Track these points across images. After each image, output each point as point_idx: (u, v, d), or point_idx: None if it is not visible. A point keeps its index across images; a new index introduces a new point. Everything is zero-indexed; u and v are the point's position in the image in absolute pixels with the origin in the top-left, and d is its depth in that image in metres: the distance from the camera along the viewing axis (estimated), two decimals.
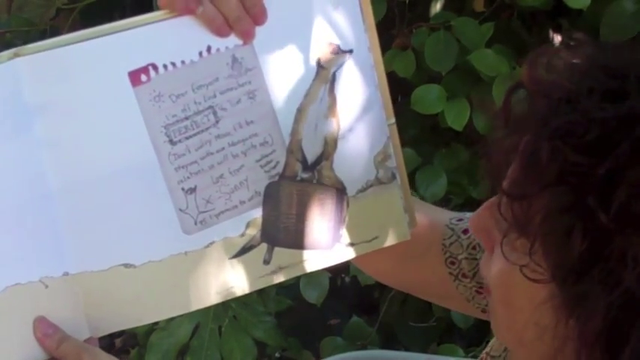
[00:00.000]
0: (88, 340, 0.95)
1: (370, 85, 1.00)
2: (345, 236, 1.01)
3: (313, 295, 1.94)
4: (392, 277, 1.16)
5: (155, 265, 0.95)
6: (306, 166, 0.99)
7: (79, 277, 0.93)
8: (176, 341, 1.92)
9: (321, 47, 0.98)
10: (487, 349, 1.03)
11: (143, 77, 0.93)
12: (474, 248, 1.08)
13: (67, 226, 0.92)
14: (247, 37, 0.95)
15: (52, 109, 0.91)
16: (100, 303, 0.94)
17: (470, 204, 1.88)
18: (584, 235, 0.72)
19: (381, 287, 2.08)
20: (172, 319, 1.76)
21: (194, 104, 0.94)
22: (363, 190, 1.01)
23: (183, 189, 0.95)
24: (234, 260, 0.97)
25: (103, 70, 0.92)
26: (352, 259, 1.04)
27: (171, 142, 0.94)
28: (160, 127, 0.94)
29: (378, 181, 1.01)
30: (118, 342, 2.32)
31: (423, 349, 2.04)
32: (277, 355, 2.16)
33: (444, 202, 1.96)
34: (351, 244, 1.01)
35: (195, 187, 0.95)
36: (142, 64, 0.92)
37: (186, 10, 0.92)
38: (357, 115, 1.00)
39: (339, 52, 0.98)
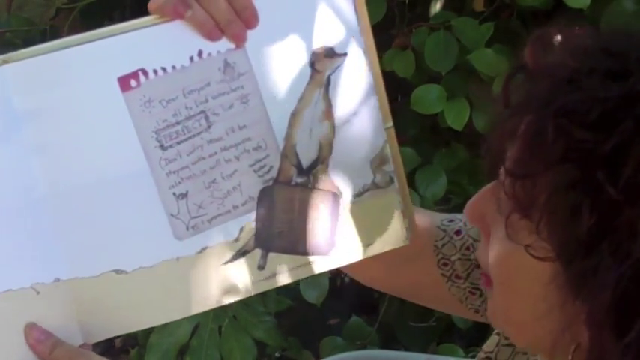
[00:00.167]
0: (81, 347, 0.93)
1: (366, 88, 0.98)
2: (341, 241, 0.99)
3: (313, 295, 1.93)
4: (385, 282, 1.15)
5: (146, 270, 0.93)
6: (301, 171, 0.97)
7: (70, 282, 0.92)
8: (176, 341, 1.91)
9: (315, 50, 0.96)
10: (484, 346, 1.04)
11: (133, 82, 0.91)
12: (467, 249, 1.08)
13: (57, 231, 0.91)
14: (239, 40, 0.93)
15: (42, 115, 0.90)
16: (92, 309, 0.93)
17: None
18: (592, 209, 0.73)
19: None
20: None
21: (185, 109, 0.93)
22: (359, 194, 0.99)
23: (174, 194, 0.93)
24: (228, 266, 0.96)
25: (92, 75, 0.91)
26: (345, 266, 1.03)
27: (162, 148, 0.93)
28: (150, 133, 0.92)
29: (375, 186, 1.00)
30: (117, 342, 2.31)
31: (423, 349, 2.04)
32: (277, 354, 2.15)
33: (443, 202, 1.95)
34: (348, 249, 0.99)
35: (187, 192, 0.94)
36: (132, 69, 0.91)
37: (175, 14, 0.91)
38: (352, 118, 0.98)
39: (334, 55, 0.97)
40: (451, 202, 1.96)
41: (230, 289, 0.96)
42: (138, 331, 1.96)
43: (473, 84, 1.87)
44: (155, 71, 0.92)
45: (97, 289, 0.93)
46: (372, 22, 1.79)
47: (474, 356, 1.83)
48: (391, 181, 1.00)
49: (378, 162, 0.99)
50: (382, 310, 2.05)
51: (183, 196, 0.94)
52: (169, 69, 0.92)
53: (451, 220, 1.10)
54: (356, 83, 0.98)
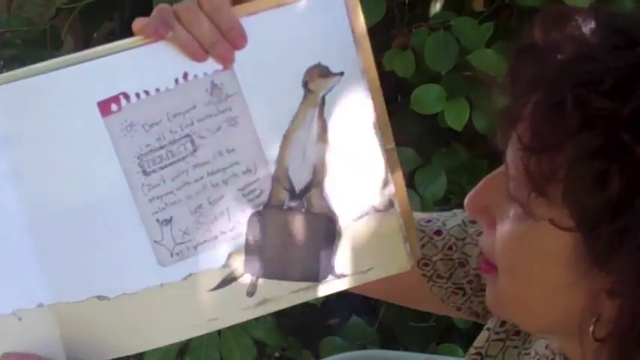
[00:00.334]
0: None
1: (364, 108, 0.93)
2: (336, 267, 0.95)
3: None
4: (366, 286, 1.15)
5: (129, 297, 0.90)
6: (294, 195, 0.93)
7: (53, 307, 0.89)
8: None
9: (308, 70, 0.91)
10: (474, 343, 1.04)
11: (114, 107, 0.88)
12: (449, 249, 1.07)
13: (39, 258, 0.88)
14: (226, 62, 0.89)
15: (19, 141, 0.87)
16: (76, 334, 0.90)
17: None
18: (621, 172, 0.74)
19: None
20: None
21: (170, 133, 0.89)
22: (357, 218, 0.94)
23: (158, 220, 0.90)
24: (216, 292, 0.92)
25: (71, 100, 0.87)
26: None
27: (145, 173, 0.89)
28: (132, 158, 0.89)
29: (374, 210, 0.94)
30: None
31: (423, 349, 2.03)
32: (277, 354, 2.13)
33: (443, 202, 1.94)
34: (344, 276, 0.95)
35: (172, 218, 0.90)
36: (113, 93, 0.88)
37: (156, 36, 0.87)
38: (350, 140, 0.93)
39: (329, 75, 0.91)
40: (451, 202, 1.96)
41: (218, 316, 0.93)
42: None
43: (474, 84, 1.87)
44: (137, 95, 0.88)
45: (81, 314, 0.90)
46: (372, 22, 1.78)
47: None
48: (391, 204, 0.95)
49: (377, 185, 0.95)
50: (382, 311, 2.05)
51: (168, 221, 0.90)
52: (153, 92, 0.88)
53: (428, 221, 1.09)
54: (353, 103, 0.93)
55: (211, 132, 0.90)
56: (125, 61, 0.88)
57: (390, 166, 0.94)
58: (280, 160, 0.92)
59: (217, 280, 0.92)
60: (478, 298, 1.08)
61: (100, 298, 0.90)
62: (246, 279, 0.93)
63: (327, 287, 0.95)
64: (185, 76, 0.89)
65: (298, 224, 0.93)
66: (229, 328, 1.90)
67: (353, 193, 0.94)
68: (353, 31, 0.92)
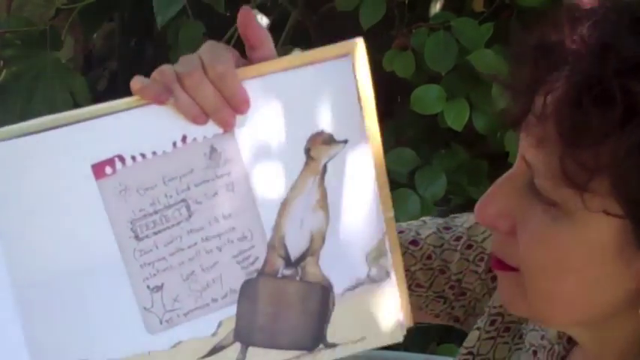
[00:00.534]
0: None
1: (366, 177, 0.88)
2: (329, 336, 0.91)
3: None
4: None
5: None
6: (289, 263, 0.89)
7: None
8: None
9: (312, 136, 0.86)
10: (464, 343, 1.03)
11: (108, 170, 0.83)
12: (428, 258, 1.06)
13: (23, 321, 0.84)
14: (227, 126, 0.84)
15: (8, 203, 0.83)
16: None
17: (469, 204, 1.85)
18: None
19: None
20: None
21: (164, 198, 0.84)
22: (351, 288, 0.90)
23: (148, 287, 0.86)
24: None
25: (64, 162, 0.83)
26: None
27: (137, 238, 0.84)
28: (125, 223, 0.84)
29: (370, 280, 0.90)
30: None
31: (423, 349, 2.01)
32: None
33: (443, 203, 1.94)
34: (335, 345, 0.91)
35: (163, 284, 0.86)
36: (108, 155, 0.83)
37: (156, 101, 0.83)
38: (349, 209, 0.89)
39: (332, 142, 0.87)
40: (451, 202, 1.95)
41: None
42: None
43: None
44: (133, 157, 0.83)
45: None
46: (371, 23, 1.78)
47: None
48: (387, 275, 0.91)
49: (375, 255, 0.90)
50: None
51: (159, 288, 0.86)
52: (149, 155, 0.84)
53: (401, 232, 1.07)
54: (355, 172, 0.88)
55: (208, 197, 0.86)
56: (122, 122, 0.83)
57: (389, 236, 0.91)
58: (277, 227, 0.88)
59: (207, 349, 0.88)
60: (459, 302, 1.08)
61: None
62: (236, 347, 0.89)
63: (318, 357, 0.91)
64: (184, 139, 0.84)
65: (292, 293, 0.89)
66: None
67: (349, 262, 0.90)
68: (359, 99, 0.87)
